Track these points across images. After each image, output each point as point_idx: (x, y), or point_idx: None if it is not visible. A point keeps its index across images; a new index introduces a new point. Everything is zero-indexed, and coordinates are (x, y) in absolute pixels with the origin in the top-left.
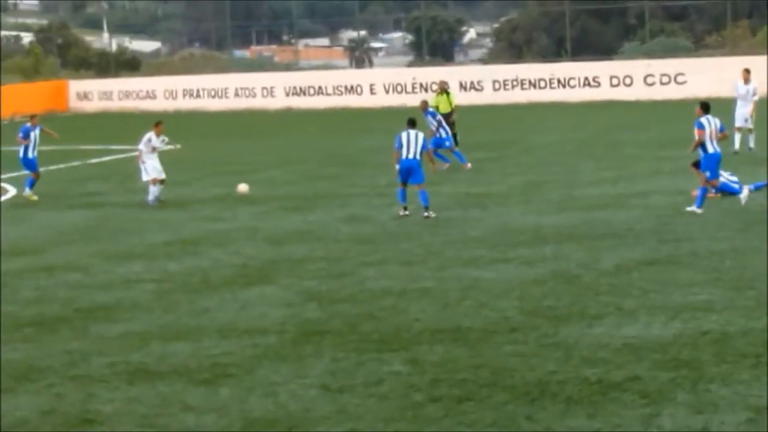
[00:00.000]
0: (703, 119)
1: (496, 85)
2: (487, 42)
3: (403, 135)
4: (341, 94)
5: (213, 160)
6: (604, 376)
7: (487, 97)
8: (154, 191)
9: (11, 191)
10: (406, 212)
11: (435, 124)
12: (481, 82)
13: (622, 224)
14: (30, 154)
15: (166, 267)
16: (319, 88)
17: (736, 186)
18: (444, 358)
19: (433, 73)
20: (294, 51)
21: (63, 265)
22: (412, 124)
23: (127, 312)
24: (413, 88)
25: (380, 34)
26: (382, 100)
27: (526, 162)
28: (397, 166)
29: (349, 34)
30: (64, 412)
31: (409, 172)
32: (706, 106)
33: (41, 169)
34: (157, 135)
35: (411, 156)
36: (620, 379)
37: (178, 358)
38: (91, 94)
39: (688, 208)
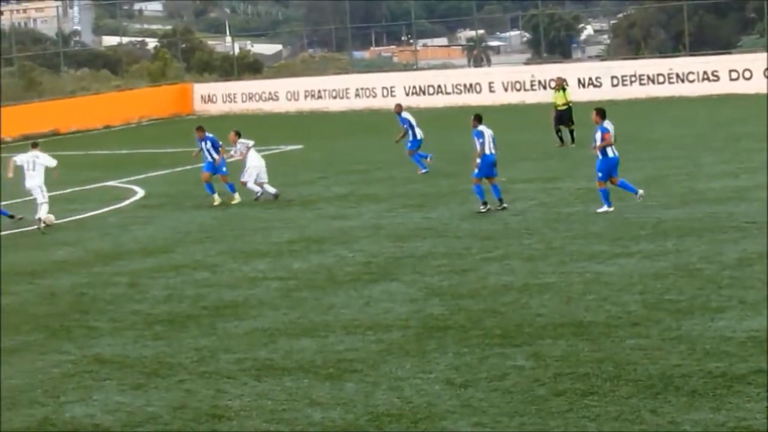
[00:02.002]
0: None
1: (615, 81)
2: (605, 38)
3: (485, 131)
4: (460, 92)
5: (336, 159)
6: (728, 369)
7: (606, 93)
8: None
9: (140, 193)
10: (488, 206)
11: (405, 127)
12: (599, 78)
13: (744, 217)
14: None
15: (292, 265)
16: (439, 87)
17: None
18: (567, 352)
19: (550, 71)
20: (413, 51)
21: (191, 264)
22: (480, 119)
23: (253, 309)
24: (531, 85)
25: (498, 33)
26: (501, 97)
27: (647, 156)
28: (478, 160)
29: (467, 34)
30: (194, 408)
31: (490, 167)
32: None
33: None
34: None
35: (491, 151)
36: (744, 372)
37: (305, 354)
38: (215, 96)
39: None
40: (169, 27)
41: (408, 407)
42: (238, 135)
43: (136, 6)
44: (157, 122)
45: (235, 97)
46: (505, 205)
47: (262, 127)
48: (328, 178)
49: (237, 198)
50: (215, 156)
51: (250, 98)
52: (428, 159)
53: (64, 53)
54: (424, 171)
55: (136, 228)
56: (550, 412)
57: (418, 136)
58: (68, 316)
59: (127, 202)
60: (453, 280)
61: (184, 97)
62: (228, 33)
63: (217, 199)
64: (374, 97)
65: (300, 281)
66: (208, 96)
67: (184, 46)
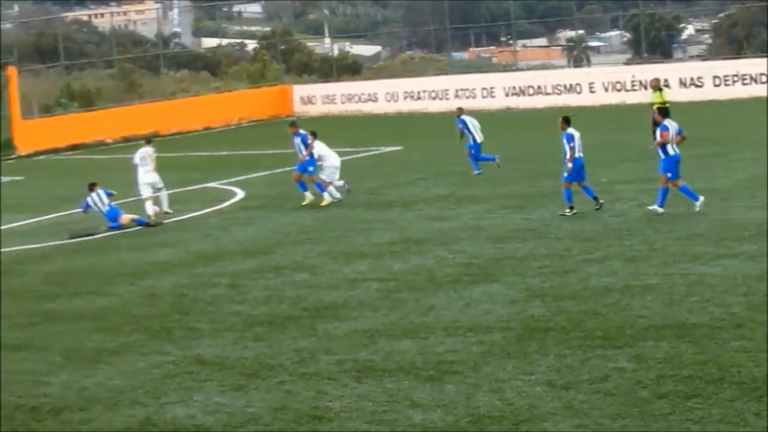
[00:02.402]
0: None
1: (716, 81)
2: (706, 38)
3: (574, 133)
4: (560, 93)
5: (435, 160)
6: None
7: (708, 93)
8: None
9: (240, 194)
10: (574, 211)
11: (461, 128)
12: (701, 78)
13: None
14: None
15: (392, 266)
16: (538, 87)
17: None
18: (669, 354)
19: (651, 71)
20: (512, 52)
21: (291, 265)
22: (569, 121)
23: (354, 310)
24: (632, 85)
25: (598, 33)
26: (601, 98)
27: (750, 156)
28: (569, 164)
29: (566, 34)
30: (294, 409)
31: (579, 171)
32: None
33: (274, 172)
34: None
35: (579, 154)
36: None
37: (405, 356)
38: (315, 98)
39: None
40: (268, 28)
41: (509, 409)
42: (314, 135)
43: (236, 8)
44: (256, 124)
45: (334, 99)
46: (601, 201)
47: (361, 129)
48: (428, 179)
49: (327, 198)
50: (303, 152)
51: (349, 99)
52: (496, 161)
53: (164, 55)
54: (477, 173)
55: (237, 229)
56: (653, 415)
57: (478, 140)
58: (169, 317)
59: (227, 203)
60: (554, 281)
61: (283, 99)
62: (327, 34)
63: (308, 198)
64: (474, 98)
65: (400, 282)
66: (308, 97)
67: (283, 47)
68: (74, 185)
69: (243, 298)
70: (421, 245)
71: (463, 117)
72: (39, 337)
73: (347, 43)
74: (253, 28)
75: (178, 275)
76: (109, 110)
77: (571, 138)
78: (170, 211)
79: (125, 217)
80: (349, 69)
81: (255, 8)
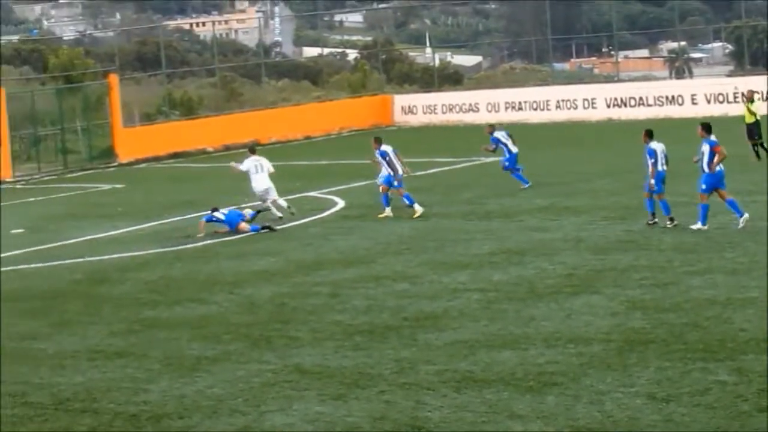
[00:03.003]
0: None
1: None
2: None
3: (657, 146)
4: (662, 104)
5: (537, 170)
6: None
7: None
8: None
9: (341, 203)
10: (655, 220)
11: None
12: None
13: None
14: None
15: (492, 276)
16: (640, 99)
17: None
18: None
19: (754, 83)
20: (614, 63)
21: (391, 275)
22: (651, 135)
23: (454, 321)
24: (734, 97)
25: (700, 45)
26: (704, 110)
27: None
28: (652, 181)
29: (668, 45)
30: (393, 419)
31: (659, 184)
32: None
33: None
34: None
35: (662, 167)
36: None
37: (505, 367)
38: (416, 108)
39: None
40: (369, 38)
41: (609, 421)
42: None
43: (337, 17)
44: (357, 133)
45: (435, 109)
46: (675, 223)
47: (462, 139)
48: (529, 190)
49: (419, 210)
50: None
51: (450, 109)
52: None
53: (265, 64)
54: (527, 186)
55: (337, 238)
56: (754, 429)
57: (513, 151)
58: (269, 326)
59: (328, 212)
60: (655, 293)
61: (384, 109)
62: (428, 44)
63: (387, 212)
64: (575, 108)
65: (500, 293)
66: (408, 107)
67: (384, 57)
68: (174, 193)
69: (343, 308)
70: (522, 256)
71: (496, 134)
72: (139, 345)
73: (448, 53)
74: (354, 38)
75: (278, 284)
76: (210, 119)
77: (653, 152)
78: (282, 216)
79: (243, 226)
80: (450, 79)
81: (356, 18)
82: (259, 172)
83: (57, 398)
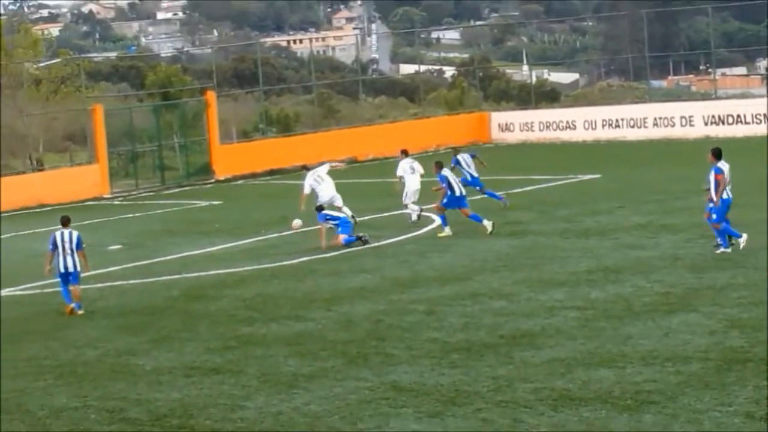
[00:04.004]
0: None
1: None
2: None
3: (724, 166)
4: (760, 122)
5: (634, 188)
6: None
7: None
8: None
9: (437, 221)
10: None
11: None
12: None
13: None
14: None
15: (589, 294)
16: (738, 116)
17: None
18: None
19: None
20: (711, 80)
21: (488, 292)
22: (719, 154)
23: (550, 339)
24: None
25: None
26: None
27: None
28: (712, 206)
29: (766, 63)
30: None
31: (726, 210)
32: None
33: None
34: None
35: (729, 195)
36: None
37: (602, 385)
38: (513, 125)
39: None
40: (466, 55)
41: None
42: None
43: (434, 34)
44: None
45: (532, 126)
46: (722, 250)
47: (559, 156)
48: (626, 208)
49: (446, 232)
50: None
51: (547, 127)
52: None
53: (362, 81)
54: (503, 201)
55: (434, 255)
56: None
57: (475, 175)
58: (365, 343)
59: (424, 229)
60: (753, 311)
61: (481, 126)
62: (525, 61)
63: (447, 232)
64: (672, 126)
65: (597, 311)
66: (505, 124)
67: (481, 74)
68: (271, 210)
69: (440, 325)
70: (619, 274)
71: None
72: (235, 361)
73: (545, 71)
74: (451, 55)
75: (374, 301)
76: (307, 136)
77: (719, 172)
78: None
79: (340, 238)
80: (547, 96)
81: (453, 35)
82: (321, 183)
83: (154, 414)
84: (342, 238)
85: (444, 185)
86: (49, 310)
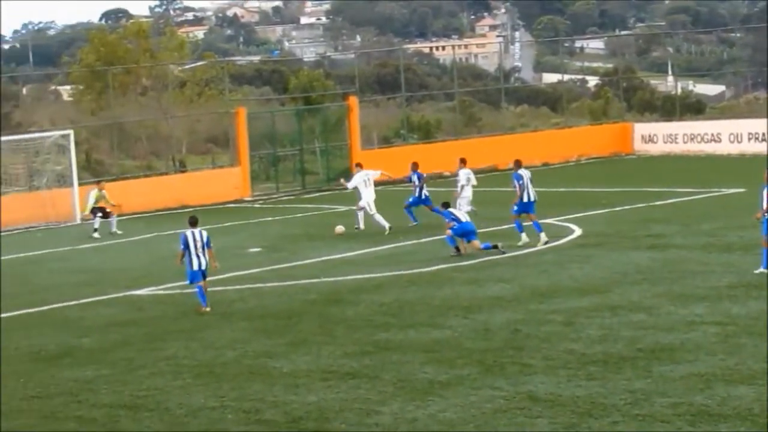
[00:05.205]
0: None
1: None
2: None
3: None
4: None
5: None
6: None
7: None
8: None
9: (577, 231)
10: None
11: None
12: None
13: None
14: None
15: (730, 310)
16: None
17: None
18: None
19: None
20: None
21: (627, 305)
22: None
23: (690, 354)
24: None
25: None
26: None
27: None
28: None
29: None
30: None
31: None
32: None
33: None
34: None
35: None
36: None
37: (742, 402)
38: (656, 136)
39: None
40: (610, 65)
41: None
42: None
43: (578, 43)
44: (596, 161)
45: (676, 138)
46: None
47: (703, 169)
48: None
49: (524, 239)
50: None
51: (692, 139)
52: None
53: (505, 89)
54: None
55: (573, 266)
56: None
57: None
58: (502, 352)
59: (564, 240)
60: None
61: (624, 137)
62: (670, 72)
63: (523, 239)
64: None
65: (738, 327)
66: (649, 136)
67: (625, 84)
68: (407, 217)
69: (577, 336)
70: (761, 290)
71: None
72: (371, 367)
73: (690, 82)
74: (595, 65)
75: (512, 310)
76: (448, 143)
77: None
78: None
79: (476, 243)
80: (692, 108)
81: (597, 44)
82: (367, 186)
83: (290, 417)
84: (479, 244)
85: (516, 185)
86: (189, 311)
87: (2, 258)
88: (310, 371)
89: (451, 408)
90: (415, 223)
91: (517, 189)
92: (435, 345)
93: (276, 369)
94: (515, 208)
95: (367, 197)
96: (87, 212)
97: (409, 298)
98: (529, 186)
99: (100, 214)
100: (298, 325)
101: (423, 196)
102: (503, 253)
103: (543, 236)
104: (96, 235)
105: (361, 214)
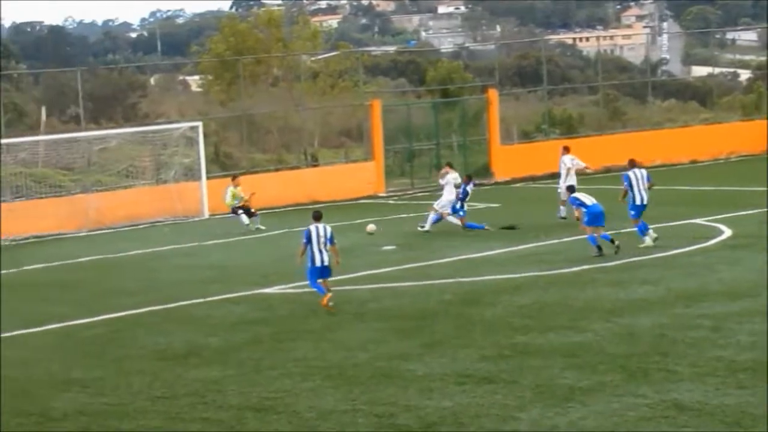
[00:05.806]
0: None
1: None
2: None
3: None
4: None
5: None
6: None
7: None
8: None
9: (727, 232)
10: None
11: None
12: None
13: None
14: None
15: None
16: None
17: None
18: None
19: None
20: None
21: None
22: None
23: None
24: None
25: None
26: None
27: None
28: None
29: None
30: None
31: None
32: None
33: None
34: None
35: None
36: None
37: None
38: None
39: None
40: (763, 58)
41: None
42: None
43: (729, 35)
44: (747, 158)
45: None
46: None
47: None
48: None
49: (647, 241)
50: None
51: None
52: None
53: (651, 83)
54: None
55: (722, 268)
56: None
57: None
58: (647, 358)
59: (713, 241)
60: None
61: None
62: None
63: (647, 241)
64: None
65: None
66: None
67: None
68: (550, 215)
69: (726, 342)
70: None
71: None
72: (509, 371)
73: None
74: (747, 57)
75: (658, 314)
76: (591, 138)
77: None
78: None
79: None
80: None
81: (750, 36)
82: (449, 187)
83: (424, 422)
84: (601, 231)
85: (627, 186)
86: (319, 310)
87: (128, 253)
88: (445, 375)
89: (592, 415)
90: (486, 228)
91: (628, 190)
92: (576, 349)
93: (410, 372)
94: (631, 212)
95: (447, 198)
96: (229, 210)
97: (550, 300)
98: (642, 186)
99: (241, 211)
100: (433, 326)
101: (459, 207)
102: (618, 248)
103: (648, 239)
104: (253, 227)
105: (433, 216)
